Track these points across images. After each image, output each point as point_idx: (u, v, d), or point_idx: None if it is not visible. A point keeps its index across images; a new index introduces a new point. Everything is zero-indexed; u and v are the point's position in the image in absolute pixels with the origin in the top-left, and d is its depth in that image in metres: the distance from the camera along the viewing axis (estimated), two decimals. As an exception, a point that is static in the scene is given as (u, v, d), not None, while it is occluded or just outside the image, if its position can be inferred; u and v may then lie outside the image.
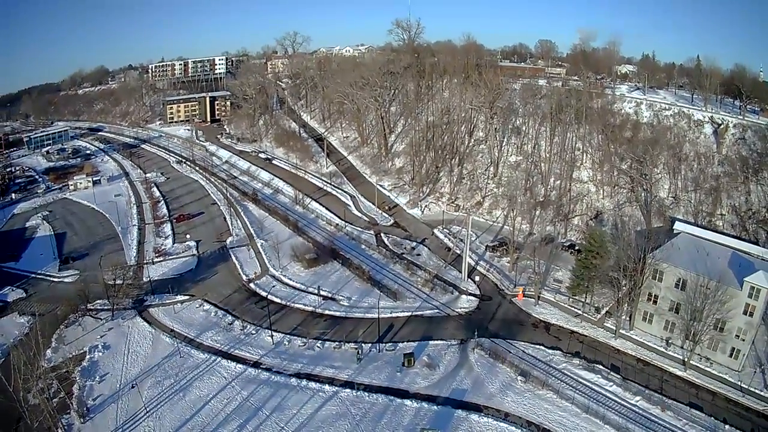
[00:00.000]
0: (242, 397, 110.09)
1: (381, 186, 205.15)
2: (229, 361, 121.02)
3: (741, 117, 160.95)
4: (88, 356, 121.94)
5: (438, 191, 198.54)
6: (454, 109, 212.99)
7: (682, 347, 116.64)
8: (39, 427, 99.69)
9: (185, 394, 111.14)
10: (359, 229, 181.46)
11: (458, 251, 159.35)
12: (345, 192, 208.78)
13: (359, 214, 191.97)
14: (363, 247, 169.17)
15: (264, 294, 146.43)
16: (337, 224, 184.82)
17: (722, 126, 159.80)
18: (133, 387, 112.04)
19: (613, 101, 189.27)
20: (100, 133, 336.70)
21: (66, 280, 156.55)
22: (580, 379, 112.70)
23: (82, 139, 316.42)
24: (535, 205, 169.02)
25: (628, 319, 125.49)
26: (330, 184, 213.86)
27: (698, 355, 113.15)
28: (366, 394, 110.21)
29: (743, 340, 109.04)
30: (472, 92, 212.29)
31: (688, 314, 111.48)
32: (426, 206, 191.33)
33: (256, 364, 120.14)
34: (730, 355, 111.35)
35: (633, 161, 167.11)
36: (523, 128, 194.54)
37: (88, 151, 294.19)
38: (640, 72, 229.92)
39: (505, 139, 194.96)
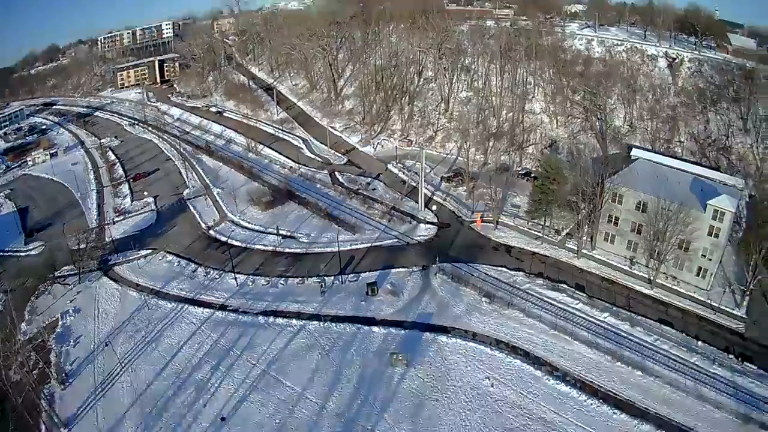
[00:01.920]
0: (212, 340, 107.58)
1: (332, 128, 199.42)
2: (196, 306, 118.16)
3: (697, 52, 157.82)
4: (60, 322, 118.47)
5: (389, 129, 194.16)
6: (402, 52, 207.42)
7: (647, 266, 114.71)
8: (24, 402, 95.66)
9: (157, 345, 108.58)
10: (313, 169, 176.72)
11: (414, 184, 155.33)
12: (297, 136, 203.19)
13: (312, 156, 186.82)
14: (319, 186, 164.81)
15: (224, 239, 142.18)
16: (291, 167, 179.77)
17: (677, 60, 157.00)
18: (107, 345, 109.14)
19: (564, 39, 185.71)
20: (54, 107, 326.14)
21: (32, 252, 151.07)
22: (546, 298, 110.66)
23: (38, 116, 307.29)
24: (488, 136, 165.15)
25: (589, 240, 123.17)
26: (282, 130, 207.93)
27: (664, 273, 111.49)
28: (333, 324, 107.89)
29: (710, 260, 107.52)
30: (419, 36, 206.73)
31: (650, 235, 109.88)
32: (378, 144, 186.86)
33: (222, 307, 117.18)
34: (697, 274, 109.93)
35: (586, 93, 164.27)
36: (473, 67, 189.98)
37: (44, 126, 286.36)
38: (590, 11, 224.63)
39: (455, 77, 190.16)
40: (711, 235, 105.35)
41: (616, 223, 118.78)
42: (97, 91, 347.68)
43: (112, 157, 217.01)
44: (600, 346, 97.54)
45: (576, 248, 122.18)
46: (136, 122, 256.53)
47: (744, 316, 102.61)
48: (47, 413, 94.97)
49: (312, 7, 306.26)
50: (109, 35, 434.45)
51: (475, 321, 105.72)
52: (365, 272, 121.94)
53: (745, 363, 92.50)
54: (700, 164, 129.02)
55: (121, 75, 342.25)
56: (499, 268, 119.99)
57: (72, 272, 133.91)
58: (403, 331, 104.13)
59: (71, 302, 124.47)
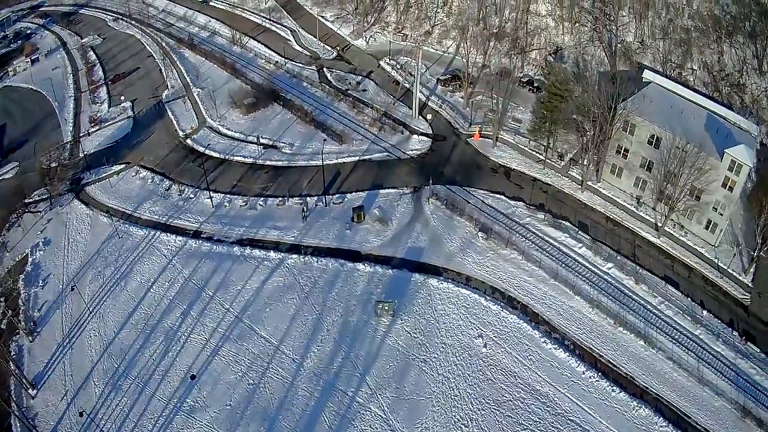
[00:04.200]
0: (184, 278, 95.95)
1: (322, 17, 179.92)
2: (169, 234, 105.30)
3: None
4: (30, 259, 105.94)
5: (383, 21, 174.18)
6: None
7: (654, 209, 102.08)
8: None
9: (126, 283, 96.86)
10: (300, 65, 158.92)
11: (407, 85, 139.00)
12: (285, 27, 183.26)
13: (300, 49, 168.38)
14: (305, 85, 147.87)
15: (202, 149, 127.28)
16: (277, 62, 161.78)
17: None
18: (72, 290, 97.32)
19: None
20: (41, 8, 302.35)
21: (6, 176, 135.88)
22: (547, 237, 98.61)
23: (25, 20, 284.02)
24: (489, 36, 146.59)
25: (594, 170, 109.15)
26: (269, 19, 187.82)
27: (672, 221, 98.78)
28: (314, 259, 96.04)
29: (721, 214, 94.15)
30: None
31: (661, 175, 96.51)
32: (371, 37, 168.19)
33: (196, 234, 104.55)
34: (706, 227, 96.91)
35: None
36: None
37: (29, 31, 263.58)
38: None
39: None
40: (725, 187, 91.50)
41: (624, 156, 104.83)
42: None
43: (93, 57, 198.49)
44: (602, 305, 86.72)
45: (580, 178, 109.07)
46: (119, 17, 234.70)
47: (750, 285, 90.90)
48: (15, 376, 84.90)
49: None
50: None
51: (469, 261, 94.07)
52: (351, 192, 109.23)
53: (748, 343, 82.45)
54: (713, 99, 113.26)
55: None
56: (498, 196, 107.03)
57: (43, 197, 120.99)
58: (390, 271, 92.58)
59: (41, 233, 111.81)
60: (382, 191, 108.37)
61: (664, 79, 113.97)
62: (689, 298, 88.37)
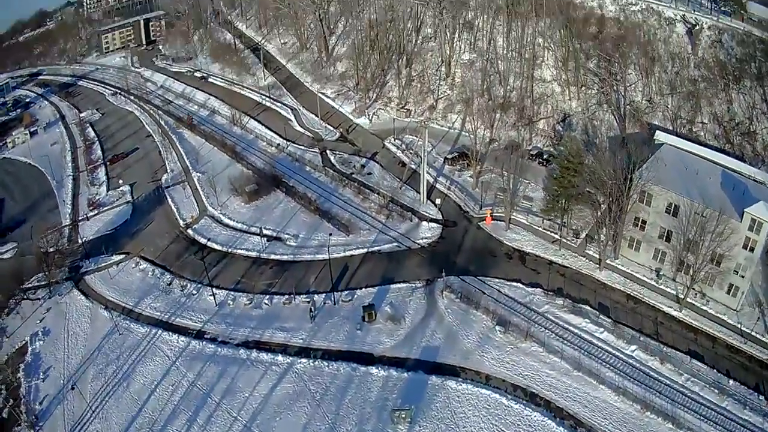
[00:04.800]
0: (189, 381, 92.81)
1: (323, 94, 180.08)
2: (171, 333, 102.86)
3: (715, 18, 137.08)
4: (30, 348, 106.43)
5: (386, 96, 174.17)
6: (398, 4, 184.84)
7: (674, 280, 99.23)
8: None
9: (129, 384, 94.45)
10: (302, 147, 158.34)
11: (414, 166, 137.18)
12: (285, 105, 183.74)
13: (302, 130, 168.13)
14: (308, 169, 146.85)
15: (203, 241, 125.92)
16: (279, 144, 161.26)
17: (697, 26, 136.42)
18: (72, 389, 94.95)
19: None
20: (40, 77, 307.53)
21: (4, 256, 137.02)
22: (567, 325, 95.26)
23: (24, 88, 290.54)
24: (494, 107, 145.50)
25: (611, 246, 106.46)
26: (269, 97, 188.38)
27: (693, 289, 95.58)
28: (325, 363, 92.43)
29: (742, 277, 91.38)
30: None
31: (680, 244, 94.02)
32: (374, 114, 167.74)
33: (199, 335, 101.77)
34: (728, 292, 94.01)
35: (601, 59, 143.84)
36: (476, 23, 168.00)
37: (28, 99, 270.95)
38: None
39: (457, 35, 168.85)
40: (746, 248, 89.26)
41: (642, 228, 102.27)
42: (82, 57, 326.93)
43: (92, 134, 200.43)
44: (628, 391, 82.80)
45: (597, 256, 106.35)
46: (118, 92, 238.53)
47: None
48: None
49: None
50: None
51: (488, 358, 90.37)
52: (361, 288, 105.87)
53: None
54: (725, 151, 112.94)
55: (106, 38, 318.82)
56: (514, 284, 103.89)
57: (42, 283, 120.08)
58: (405, 374, 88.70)
59: (40, 322, 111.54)
60: (393, 286, 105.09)
61: (677, 139, 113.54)
62: (714, 370, 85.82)
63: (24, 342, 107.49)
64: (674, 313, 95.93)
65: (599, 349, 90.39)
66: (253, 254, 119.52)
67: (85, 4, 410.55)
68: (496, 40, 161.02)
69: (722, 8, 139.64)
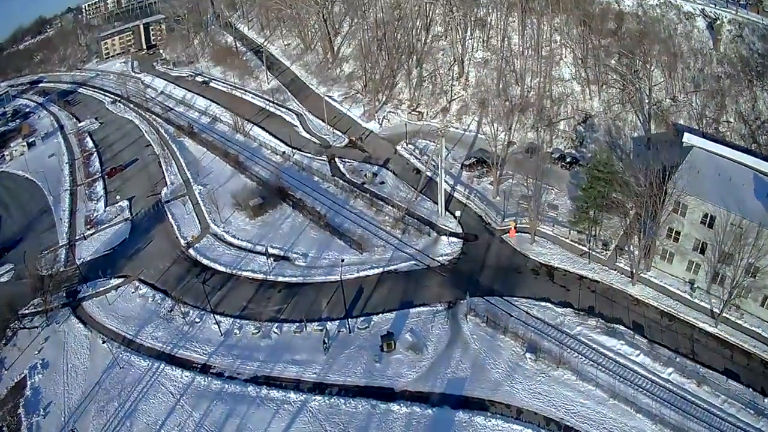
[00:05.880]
0: (195, 422, 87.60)
1: (330, 97, 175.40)
2: (174, 367, 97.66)
3: (734, 11, 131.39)
4: (29, 381, 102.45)
5: (396, 98, 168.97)
6: (406, 2, 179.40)
7: (708, 292, 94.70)
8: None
9: (132, 424, 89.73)
10: (309, 155, 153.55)
11: (429, 174, 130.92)
12: (290, 110, 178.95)
13: (308, 136, 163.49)
14: (316, 179, 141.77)
15: (206, 262, 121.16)
16: (284, 152, 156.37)
17: (717, 21, 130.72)
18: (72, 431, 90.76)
19: None
20: (40, 84, 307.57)
21: (1, 280, 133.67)
22: (601, 348, 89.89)
23: (23, 97, 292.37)
24: (511, 108, 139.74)
25: (643, 257, 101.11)
26: (273, 103, 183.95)
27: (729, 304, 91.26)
28: (342, 400, 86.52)
29: None
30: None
31: (715, 257, 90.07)
32: (384, 118, 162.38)
33: (204, 369, 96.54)
34: (762, 304, 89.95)
35: (621, 56, 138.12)
36: (488, 19, 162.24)
37: (27, 109, 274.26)
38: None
39: (469, 33, 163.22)
40: None
41: (676, 239, 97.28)
42: (82, 64, 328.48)
43: (90, 144, 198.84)
44: (665, 419, 78.22)
45: (629, 269, 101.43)
46: (117, 99, 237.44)
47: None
48: None
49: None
50: (94, 1, 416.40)
51: (518, 389, 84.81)
52: (378, 314, 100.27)
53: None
54: (753, 152, 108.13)
55: (105, 44, 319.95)
56: (543, 304, 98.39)
57: (39, 309, 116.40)
58: (430, 410, 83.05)
59: (39, 353, 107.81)
60: (412, 310, 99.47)
61: (706, 141, 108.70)
62: (750, 389, 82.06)
63: (23, 375, 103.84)
64: (710, 329, 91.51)
65: (635, 374, 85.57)
66: (260, 276, 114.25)
67: (84, 10, 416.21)
68: (510, 37, 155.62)
69: (740, 1, 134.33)
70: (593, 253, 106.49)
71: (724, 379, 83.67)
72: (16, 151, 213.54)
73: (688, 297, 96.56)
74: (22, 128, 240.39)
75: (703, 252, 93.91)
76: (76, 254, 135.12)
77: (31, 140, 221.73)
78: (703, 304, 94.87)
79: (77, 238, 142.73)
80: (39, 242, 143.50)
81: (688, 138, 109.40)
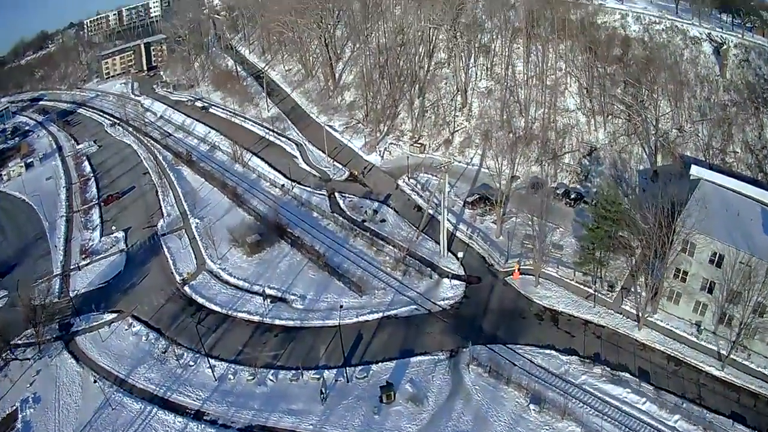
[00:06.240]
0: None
1: (330, 127, 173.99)
2: (167, 411, 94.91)
3: (740, 35, 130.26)
4: (20, 415, 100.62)
5: (398, 129, 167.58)
6: (409, 27, 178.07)
7: (714, 333, 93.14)
8: None
9: None
10: (309, 189, 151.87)
11: (431, 212, 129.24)
12: (289, 140, 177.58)
13: (308, 168, 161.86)
14: (315, 215, 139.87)
15: (202, 301, 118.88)
16: (283, 185, 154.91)
17: (724, 46, 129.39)
18: None
19: (595, 12, 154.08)
20: (40, 102, 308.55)
21: None
22: (607, 397, 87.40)
23: (23, 114, 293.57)
24: (515, 141, 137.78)
25: (650, 299, 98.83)
26: (272, 131, 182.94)
27: (734, 343, 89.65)
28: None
29: None
30: (428, 7, 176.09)
31: (723, 296, 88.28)
32: (386, 149, 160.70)
33: (198, 415, 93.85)
34: None
35: (627, 84, 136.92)
36: (493, 46, 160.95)
37: (27, 127, 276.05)
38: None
39: (472, 60, 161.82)
40: None
41: (683, 279, 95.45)
42: (83, 83, 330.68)
43: (88, 169, 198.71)
44: None
45: (634, 312, 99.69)
46: (116, 122, 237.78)
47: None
48: None
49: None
50: (96, 17, 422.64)
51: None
52: (377, 363, 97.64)
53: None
54: (759, 183, 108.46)
55: (106, 63, 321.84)
56: (548, 351, 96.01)
57: (32, 340, 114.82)
58: (430, 466, 79.96)
59: (30, 385, 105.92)
60: (413, 359, 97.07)
61: (713, 173, 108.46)
62: (756, 431, 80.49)
63: (14, 407, 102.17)
64: (716, 373, 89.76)
65: (641, 423, 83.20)
66: (256, 319, 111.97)
67: (86, 26, 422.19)
68: (514, 65, 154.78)
69: (746, 24, 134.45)
70: (599, 295, 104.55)
71: (730, 423, 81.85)
72: (13, 171, 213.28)
73: (695, 339, 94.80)
74: (20, 147, 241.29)
75: (711, 291, 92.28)
76: (70, 285, 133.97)
77: (29, 161, 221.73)
78: (710, 346, 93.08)
79: (72, 267, 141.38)
80: (34, 269, 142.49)
81: (695, 171, 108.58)
